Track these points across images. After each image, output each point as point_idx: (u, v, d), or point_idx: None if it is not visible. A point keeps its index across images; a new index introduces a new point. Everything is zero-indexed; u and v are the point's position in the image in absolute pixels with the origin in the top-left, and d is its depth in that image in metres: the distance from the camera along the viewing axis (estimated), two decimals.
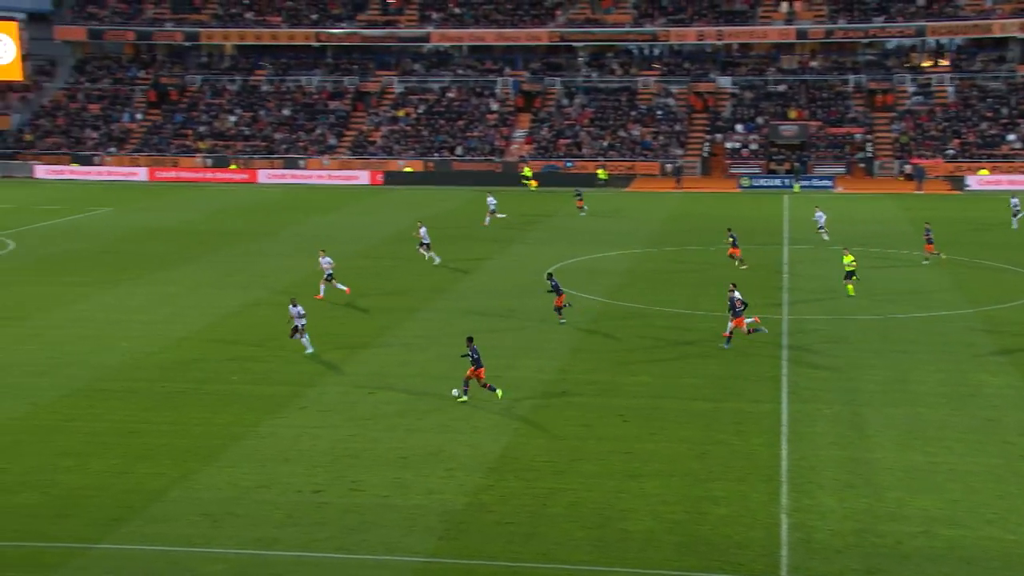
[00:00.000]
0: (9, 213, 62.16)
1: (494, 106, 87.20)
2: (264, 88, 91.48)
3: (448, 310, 36.99)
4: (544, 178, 77.67)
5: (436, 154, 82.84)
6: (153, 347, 32.73)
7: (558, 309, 35.43)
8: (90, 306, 38.48)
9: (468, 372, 27.46)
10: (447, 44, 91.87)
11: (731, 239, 44.77)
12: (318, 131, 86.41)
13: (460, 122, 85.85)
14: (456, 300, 38.78)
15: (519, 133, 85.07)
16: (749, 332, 32.21)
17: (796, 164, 77.64)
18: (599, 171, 77.26)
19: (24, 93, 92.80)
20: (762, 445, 24.43)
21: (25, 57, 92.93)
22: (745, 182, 75.33)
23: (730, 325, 32.21)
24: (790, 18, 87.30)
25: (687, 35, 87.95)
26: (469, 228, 56.41)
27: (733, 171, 79.23)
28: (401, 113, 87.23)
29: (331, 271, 38.98)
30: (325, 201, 68.29)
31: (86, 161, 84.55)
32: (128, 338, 33.54)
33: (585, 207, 61.75)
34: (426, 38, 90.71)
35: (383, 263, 46.53)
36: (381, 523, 20.45)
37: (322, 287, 39.00)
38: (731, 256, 44.58)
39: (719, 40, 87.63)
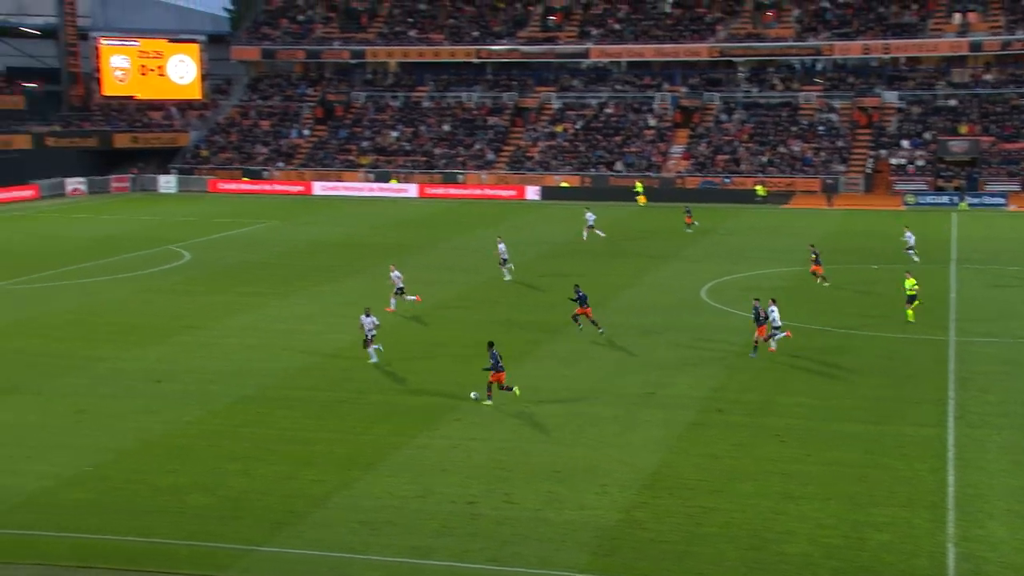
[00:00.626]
0: (185, 225, 64.99)
1: (652, 122, 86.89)
2: (425, 104, 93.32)
3: (603, 325, 36.97)
4: (702, 194, 76.99)
5: (593, 169, 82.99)
6: (317, 357, 33.68)
7: (575, 318, 35.89)
8: (259, 316, 39.79)
9: (491, 377, 28.15)
10: (606, 60, 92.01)
11: (814, 256, 44.06)
12: (477, 146, 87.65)
13: (617, 138, 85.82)
14: (611, 315, 38.72)
15: (676, 149, 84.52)
16: (766, 339, 33.01)
17: (963, 182, 74.92)
18: (757, 187, 76.14)
19: (202, 111, 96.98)
20: (927, 470, 23.66)
21: (204, 77, 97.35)
22: (910, 199, 73.11)
23: (755, 335, 33.05)
24: (963, 30, 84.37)
25: (852, 49, 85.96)
26: (624, 244, 56.32)
27: (898, 188, 76.97)
28: (559, 129, 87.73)
29: (401, 284, 39.92)
30: (483, 216, 69.16)
31: (256, 175, 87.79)
32: (294, 348, 34.55)
33: (695, 223, 61.08)
34: (585, 54, 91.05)
35: (540, 277, 46.86)
36: (534, 537, 20.56)
37: (392, 300, 39.94)
38: (813, 273, 43.74)
39: (885, 54, 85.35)
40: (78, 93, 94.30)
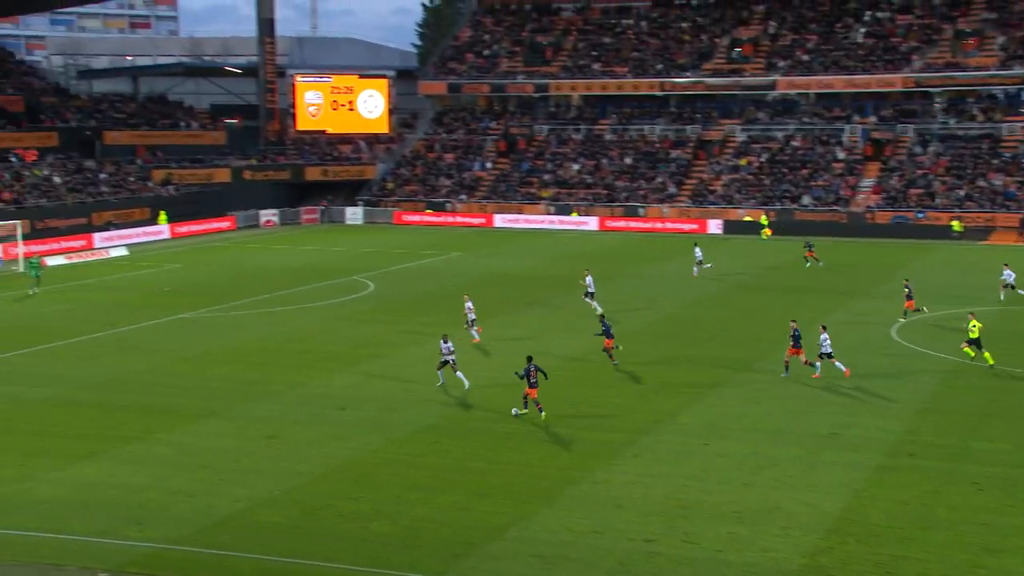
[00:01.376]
0: (370, 256, 66.83)
1: (840, 154, 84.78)
2: (607, 137, 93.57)
3: (782, 363, 36.10)
4: (893, 229, 74.56)
5: (778, 203, 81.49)
6: (496, 388, 33.94)
7: (607, 351, 36.47)
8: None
9: (525, 390, 30.29)
10: (793, 92, 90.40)
11: (907, 291, 43.81)
12: (658, 179, 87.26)
13: (804, 171, 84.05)
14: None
15: (867, 182, 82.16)
16: (807, 363, 34.27)
17: None
18: (953, 223, 73.25)
19: (389, 144, 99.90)
20: None
21: (391, 111, 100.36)
22: None
23: (788, 354, 34.63)
24: None
25: None
26: (810, 279, 55.04)
27: None
28: (743, 162, 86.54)
29: (473, 316, 40.99)
30: (664, 249, 68.76)
31: (439, 207, 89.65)
32: (473, 378, 35.04)
33: (819, 261, 59.21)
34: (772, 86, 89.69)
35: (723, 312, 46.21)
36: None
37: (474, 332, 40.84)
38: (907, 310, 43.60)
39: None
40: (274, 128, 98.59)
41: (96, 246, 72.29)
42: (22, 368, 37.76)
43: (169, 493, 24.91)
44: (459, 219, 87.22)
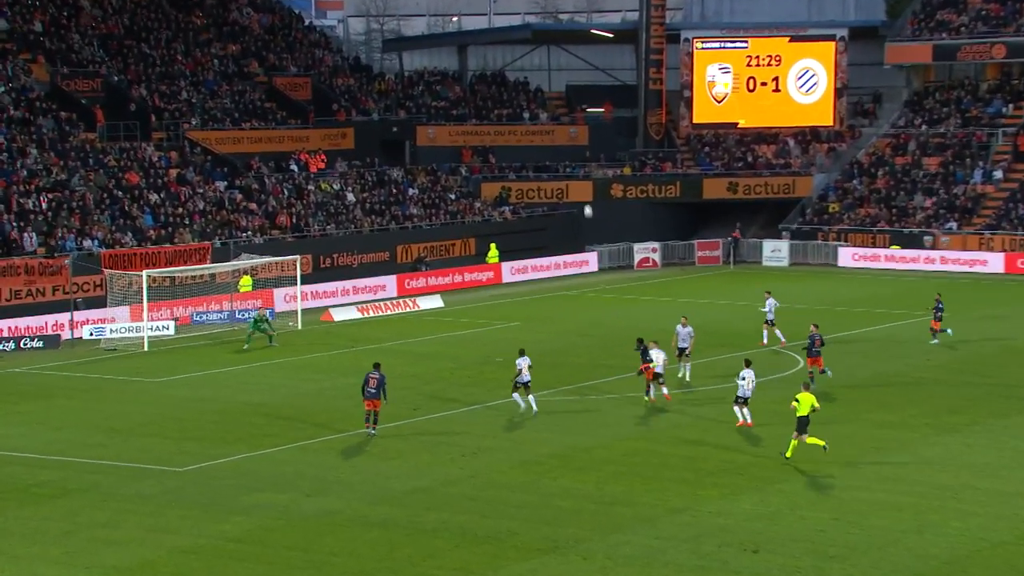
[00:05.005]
0: (803, 316, 65.71)
1: None
2: None
3: None
4: None
5: None
6: (998, 530, 33.11)
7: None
8: (910, 458, 40.12)
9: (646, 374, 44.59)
10: None
11: (935, 309, 57.61)
12: None
13: None
14: None
15: None
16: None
17: None
18: None
19: (834, 144, 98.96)
20: None
21: (839, 92, 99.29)
22: None
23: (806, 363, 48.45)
24: None
25: None
26: None
27: None
28: None
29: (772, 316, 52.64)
30: None
31: (912, 242, 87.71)
32: (964, 511, 34.22)
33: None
34: None
35: None
36: None
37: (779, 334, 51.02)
38: (932, 329, 56.40)
39: None
40: (659, 120, 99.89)
41: (399, 294, 75.90)
42: (291, 468, 40.10)
43: None
44: (943, 260, 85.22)
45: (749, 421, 43.21)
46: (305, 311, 67.66)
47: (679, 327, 51.65)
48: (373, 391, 42.57)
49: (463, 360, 57.11)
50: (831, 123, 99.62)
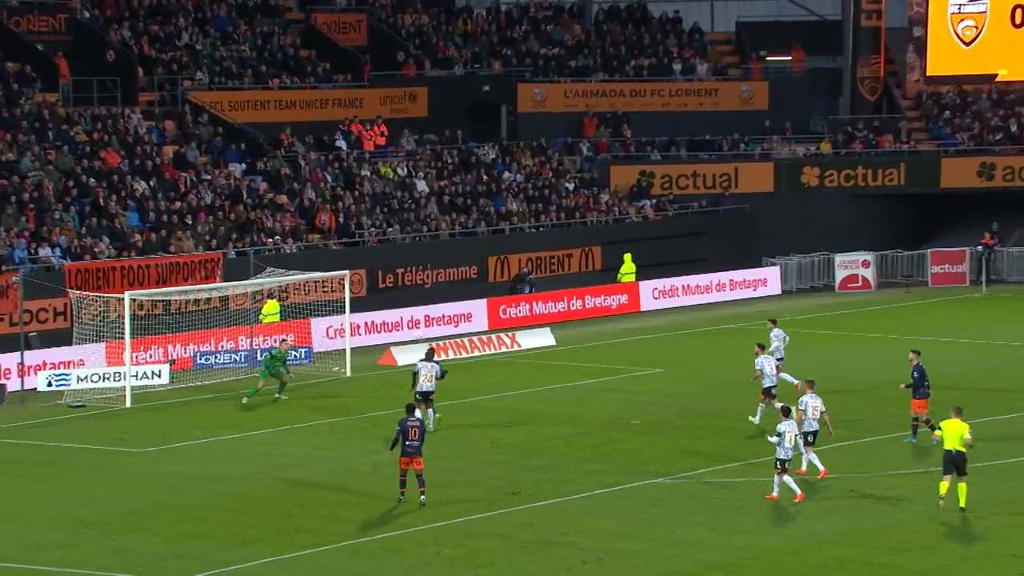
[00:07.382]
0: None
1: None
2: None
3: None
4: None
5: None
6: None
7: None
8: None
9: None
10: None
11: None
12: None
13: None
14: None
15: None
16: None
17: None
18: None
19: None
20: None
21: None
22: None
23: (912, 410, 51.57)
24: None
25: None
26: None
27: None
28: None
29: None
30: None
31: None
32: None
33: None
34: None
35: None
36: None
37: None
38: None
39: None
40: (874, 73, 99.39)
41: (492, 327, 76.42)
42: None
43: None
44: None
45: (798, 494, 45.13)
46: (356, 350, 68.14)
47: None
48: (416, 444, 43.53)
49: (584, 423, 57.30)
50: None
